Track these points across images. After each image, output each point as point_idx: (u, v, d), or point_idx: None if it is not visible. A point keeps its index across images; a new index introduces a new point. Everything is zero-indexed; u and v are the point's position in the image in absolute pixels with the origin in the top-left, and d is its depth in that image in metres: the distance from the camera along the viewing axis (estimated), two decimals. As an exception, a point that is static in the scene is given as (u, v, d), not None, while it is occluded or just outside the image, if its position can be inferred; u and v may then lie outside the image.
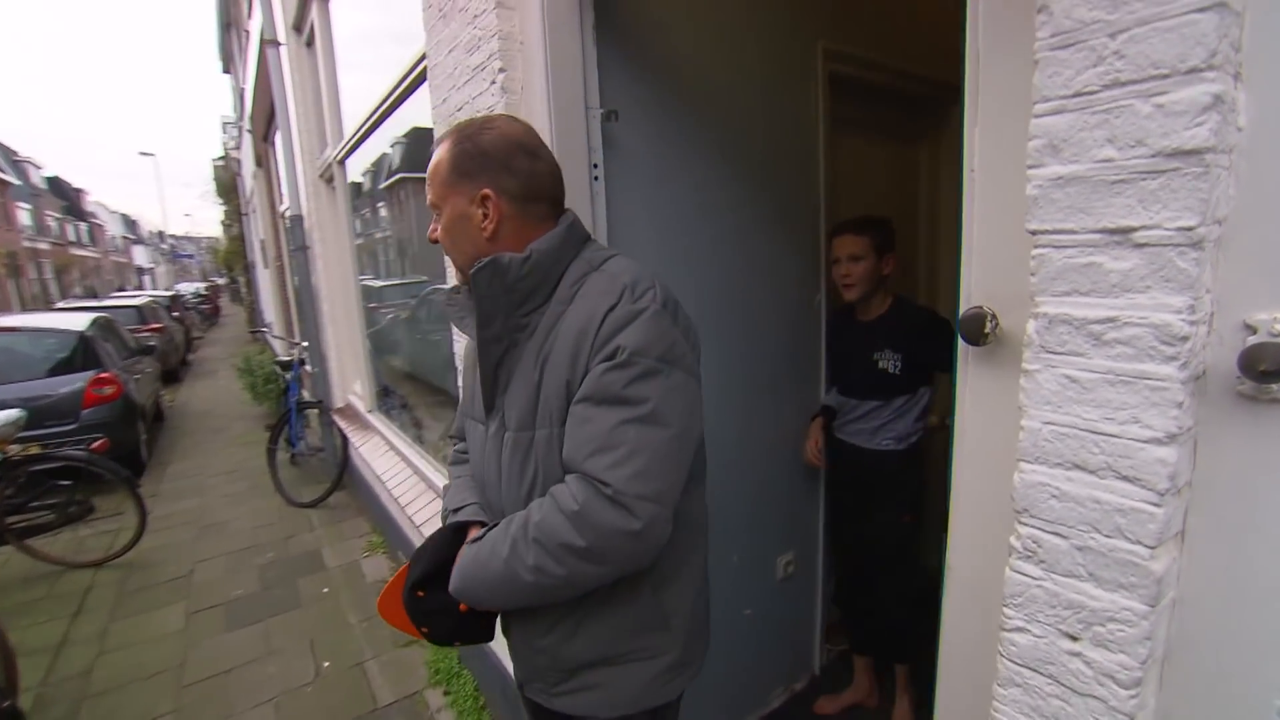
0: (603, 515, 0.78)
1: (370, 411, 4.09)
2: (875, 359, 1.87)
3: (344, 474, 4.58)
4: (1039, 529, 0.63)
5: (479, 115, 1.00)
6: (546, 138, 1.48)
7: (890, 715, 2.06)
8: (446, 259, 1.88)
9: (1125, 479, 0.56)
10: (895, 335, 1.84)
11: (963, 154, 0.75)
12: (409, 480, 3.04)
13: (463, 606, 0.92)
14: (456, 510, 1.03)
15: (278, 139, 4.24)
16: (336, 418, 4.50)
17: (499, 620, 1.03)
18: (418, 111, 2.49)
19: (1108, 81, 0.53)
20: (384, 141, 3.33)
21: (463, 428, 1.17)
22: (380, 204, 3.92)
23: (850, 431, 2.00)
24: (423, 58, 2.07)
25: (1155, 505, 0.55)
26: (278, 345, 7.98)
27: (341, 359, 4.51)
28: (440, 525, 1.08)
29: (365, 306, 4.18)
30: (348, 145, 3.44)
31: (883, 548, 1.97)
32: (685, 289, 1.79)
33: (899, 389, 1.86)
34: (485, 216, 0.89)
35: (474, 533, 0.95)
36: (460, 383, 1.18)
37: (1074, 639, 0.62)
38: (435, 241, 0.97)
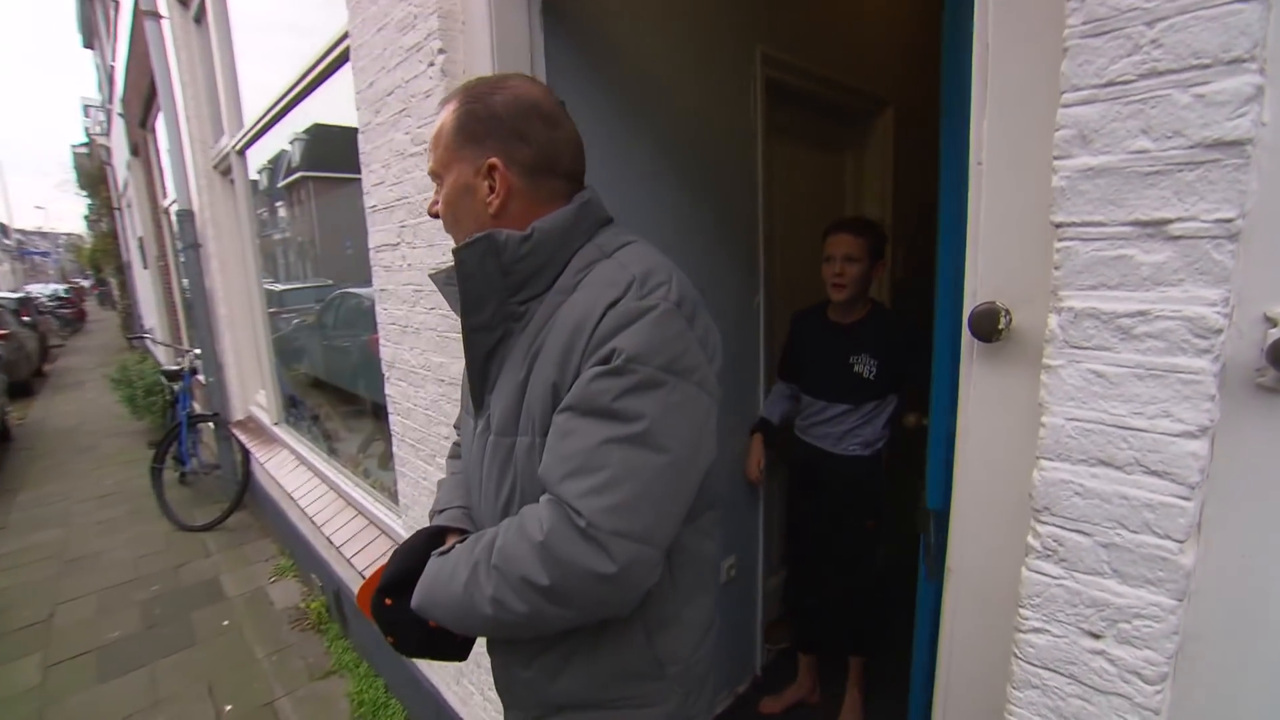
0: (570, 550, 0.65)
1: (277, 424, 3.72)
2: (851, 363, 1.86)
3: (245, 492, 4.15)
4: (1060, 527, 0.61)
5: (491, 74, 0.86)
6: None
7: (833, 710, 2.09)
8: (377, 261, 1.71)
9: (1154, 474, 0.55)
10: (876, 341, 1.84)
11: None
12: (325, 497, 2.78)
13: (432, 622, 0.79)
14: (439, 512, 0.92)
15: (160, 125, 3.78)
16: (236, 431, 4.07)
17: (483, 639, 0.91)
18: (337, 96, 2.27)
19: (1144, 71, 0.51)
20: (284, 136, 3.04)
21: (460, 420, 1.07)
22: (279, 203, 3.58)
23: (816, 434, 1.98)
24: (344, 36, 1.89)
25: (1186, 499, 0.54)
26: (161, 353, 7.15)
27: (242, 367, 4.08)
28: (426, 525, 0.95)
29: (267, 311, 3.81)
30: (249, 134, 3.11)
31: (842, 552, 1.97)
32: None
33: (871, 394, 1.86)
34: (491, 190, 0.77)
35: (449, 541, 0.83)
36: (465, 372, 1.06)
37: (1097, 637, 0.61)
38: (435, 215, 0.84)
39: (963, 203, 0.69)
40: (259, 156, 3.42)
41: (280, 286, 3.79)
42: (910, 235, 3.13)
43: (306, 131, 2.98)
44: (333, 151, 2.89)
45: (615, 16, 1.68)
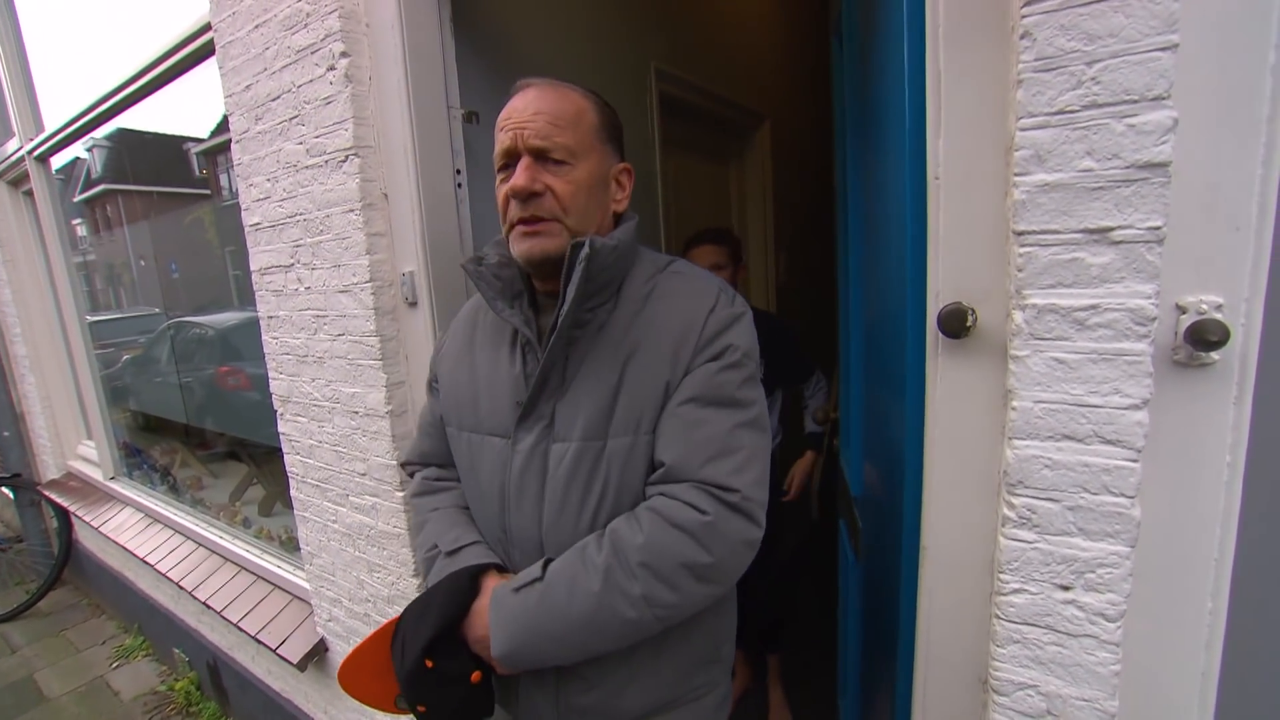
0: (731, 525, 0.73)
1: (113, 478, 3.17)
2: None
3: (65, 566, 3.49)
4: (1033, 497, 0.71)
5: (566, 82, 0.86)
6: (404, 138, 1.30)
7: (764, 696, 2.19)
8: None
9: (1109, 442, 0.66)
10: None
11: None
12: (193, 556, 2.41)
13: (475, 676, 0.76)
14: (455, 551, 0.85)
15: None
16: (49, 492, 3.41)
17: (496, 683, 0.85)
18: (188, 97, 2.00)
19: (1087, 103, 0.61)
20: (80, 143, 2.61)
21: (432, 450, 1.01)
22: (77, 220, 3.07)
23: None
24: (203, 29, 1.67)
25: (1134, 461, 0.65)
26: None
27: (55, 416, 3.43)
28: (427, 570, 0.89)
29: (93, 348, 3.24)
30: (56, 137, 2.64)
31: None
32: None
33: None
34: (621, 187, 0.89)
35: (498, 578, 0.82)
36: (440, 392, 0.99)
37: (1067, 589, 0.70)
38: (534, 194, 0.79)
39: (920, 215, 0.77)
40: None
41: (91, 318, 3.24)
42: (789, 240, 3.38)
43: (110, 137, 2.56)
44: (148, 161, 2.52)
45: (522, 27, 1.66)
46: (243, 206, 1.62)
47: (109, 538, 2.81)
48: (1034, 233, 0.66)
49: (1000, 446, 0.74)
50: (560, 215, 0.81)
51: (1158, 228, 0.61)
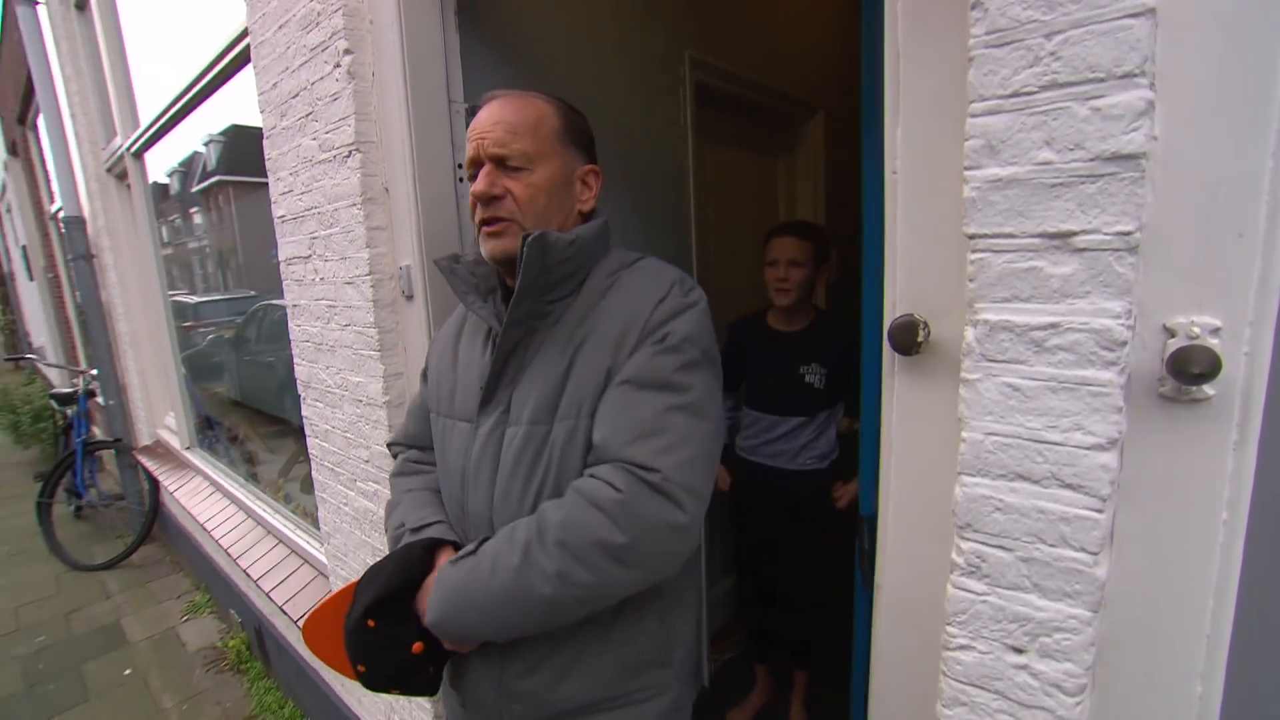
0: (648, 505, 0.71)
1: (189, 448, 3.46)
2: (801, 372, 1.82)
3: (154, 524, 3.85)
4: (982, 543, 0.61)
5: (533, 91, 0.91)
6: (403, 132, 1.31)
7: (786, 712, 2.10)
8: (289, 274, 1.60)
9: (1069, 487, 0.56)
10: (823, 349, 1.81)
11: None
12: (242, 526, 2.59)
13: (417, 646, 0.79)
14: (420, 528, 0.89)
15: (42, 123, 3.46)
16: (142, 458, 3.76)
17: (448, 667, 0.89)
18: (242, 96, 2.12)
19: (1045, 83, 0.52)
20: (195, 137, 2.83)
21: (417, 433, 1.06)
22: (193, 209, 3.34)
23: (768, 453, 1.90)
24: (245, 33, 1.76)
25: (1098, 511, 0.55)
26: (54, 375, 6.56)
27: (148, 388, 3.78)
28: (394, 546, 0.92)
29: (179, 326, 3.54)
30: (145, 135, 2.88)
31: (797, 568, 1.94)
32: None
33: (822, 404, 1.83)
34: (587, 188, 0.92)
35: (450, 553, 0.84)
36: (428, 380, 1.04)
37: (1020, 652, 0.61)
38: (494, 197, 0.84)
39: (878, 213, 0.69)
40: (163, 159, 3.17)
41: (196, 299, 3.53)
42: (844, 240, 3.21)
43: (224, 133, 2.77)
44: (253, 154, 2.70)
45: (536, 19, 1.64)
46: (272, 200, 1.70)
47: (180, 503, 3.06)
48: (986, 236, 0.56)
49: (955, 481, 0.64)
50: (518, 216, 0.85)
51: (1128, 233, 0.50)
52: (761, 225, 2.04)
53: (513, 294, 0.87)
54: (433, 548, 0.86)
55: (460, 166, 1.43)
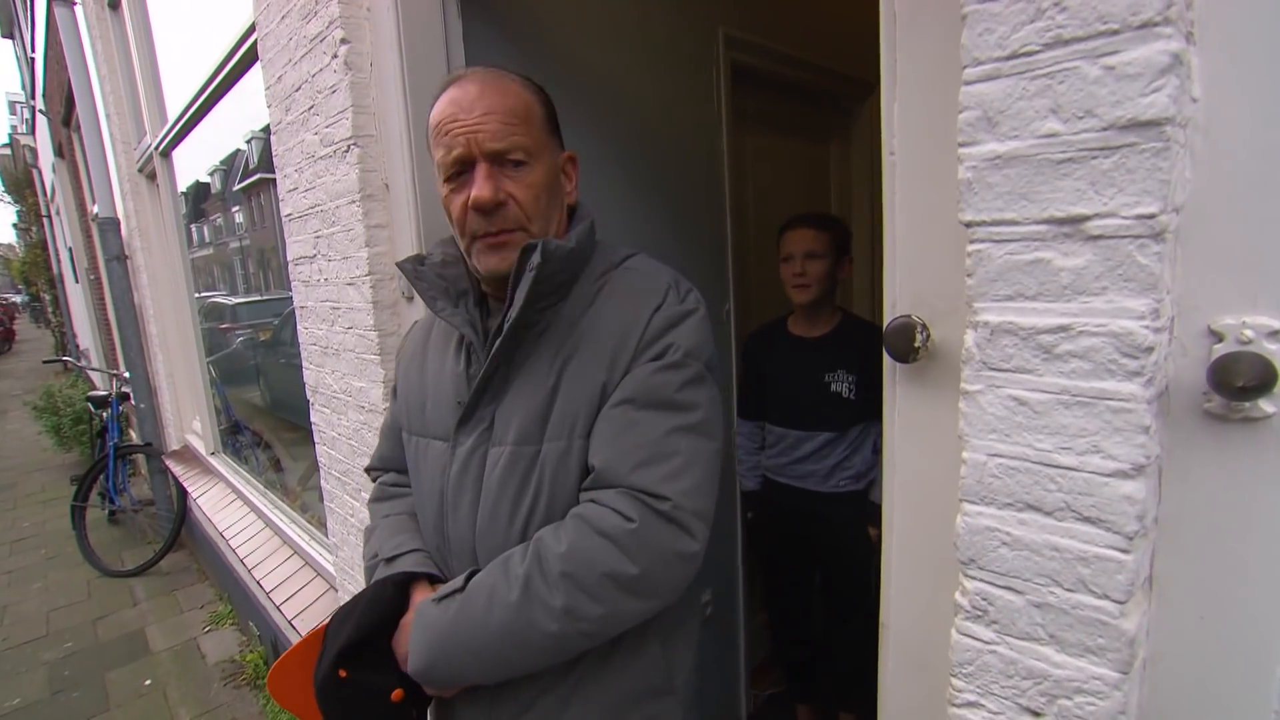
0: (660, 535, 0.71)
1: (213, 454, 3.66)
2: (827, 381, 1.75)
3: (181, 530, 4.08)
4: (989, 583, 0.56)
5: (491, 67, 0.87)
6: (401, 126, 1.34)
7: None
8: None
9: (1087, 520, 0.50)
10: (850, 353, 1.75)
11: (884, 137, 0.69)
12: (259, 535, 2.71)
13: (397, 694, 0.77)
14: (393, 557, 0.89)
15: (83, 123, 3.74)
16: (170, 462, 4.00)
17: (431, 710, 0.88)
18: (254, 93, 2.23)
19: (1049, 39, 0.47)
20: (236, 134, 2.99)
21: (391, 455, 1.06)
22: (235, 208, 3.53)
23: (797, 473, 1.84)
24: (253, 27, 1.85)
25: (1124, 551, 0.49)
26: (96, 377, 7.08)
27: (177, 392, 4.02)
28: (369, 579, 0.91)
29: (207, 328, 3.75)
30: (171, 133, 3.07)
31: (835, 600, 1.88)
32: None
33: (854, 416, 1.76)
34: (568, 178, 0.91)
35: (429, 590, 0.83)
36: (398, 395, 1.04)
37: (1037, 715, 0.55)
38: (499, 204, 0.79)
39: (877, 202, 0.65)
40: (197, 157, 3.37)
41: (234, 300, 3.73)
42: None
43: (265, 129, 2.92)
44: None
45: (547, 3, 1.64)
46: (279, 197, 1.77)
47: (203, 510, 3.23)
48: (985, 223, 0.52)
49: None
50: (525, 224, 0.82)
51: (1151, 215, 0.45)
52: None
53: (497, 302, 0.87)
54: (406, 584, 0.84)
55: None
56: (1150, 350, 0.46)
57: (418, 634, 0.77)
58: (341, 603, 1.92)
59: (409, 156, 1.35)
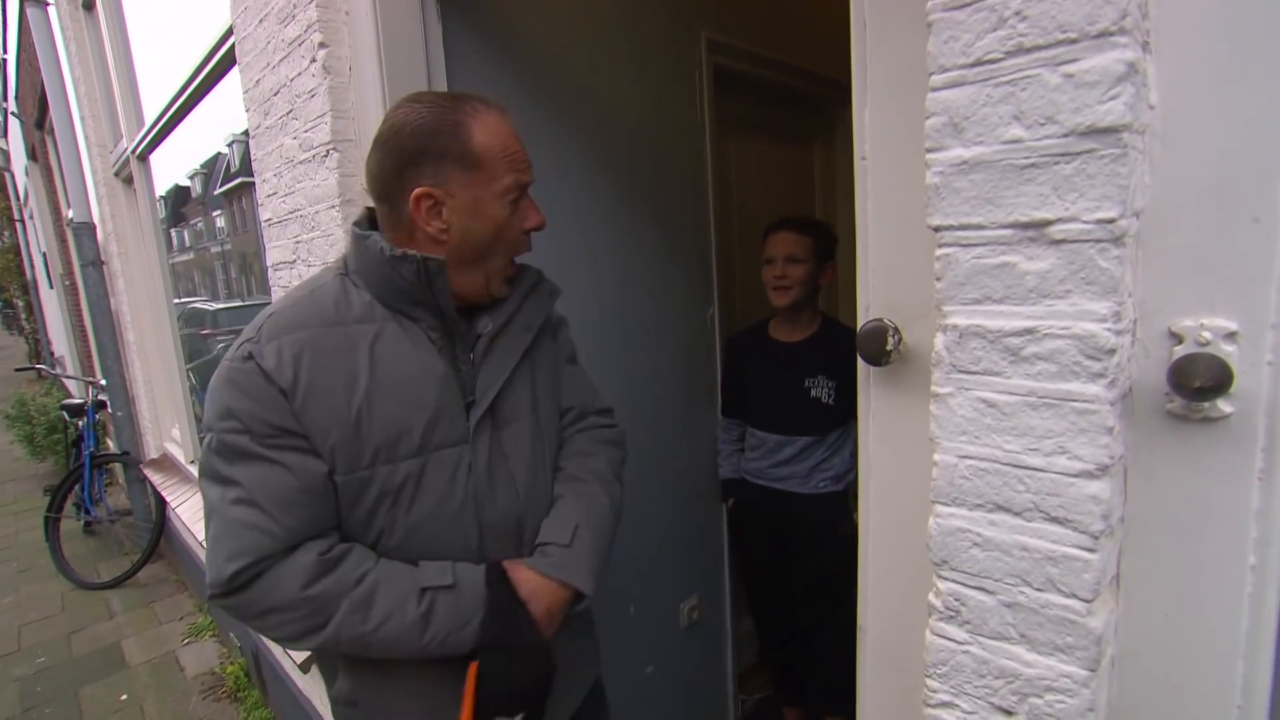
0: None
1: (193, 462, 3.61)
2: (807, 386, 1.78)
3: (160, 540, 4.02)
4: (961, 584, 0.57)
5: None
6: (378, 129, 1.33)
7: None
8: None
9: (1055, 520, 0.51)
10: (830, 358, 1.77)
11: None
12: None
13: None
14: (453, 584, 0.87)
15: (57, 126, 3.70)
16: (148, 472, 3.94)
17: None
18: (234, 95, 2.22)
19: (1011, 47, 0.48)
20: (217, 138, 2.97)
21: (314, 519, 0.84)
22: (216, 212, 3.50)
23: (777, 475, 1.86)
24: (231, 30, 1.84)
25: (1089, 550, 0.50)
26: (72, 385, 6.98)
27: (155, 399, 3.97)
28: (425, 628, 0.84)
29: (187, 334, 3.71)
30: (148, 136, 3.04)
31: (816, 600, 1.90)
32: (565, 304, 1.70)
33: (833, 420, 1.79)
34: None
35: (516, 570, 0.91)
36: (354, 434, 0.84)
37: (1009, 714, 0.56)
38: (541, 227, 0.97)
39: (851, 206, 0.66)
40: (177, 161, 3.34)
41: (215, 305, 3.69)
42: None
43: (246, 133, 2.89)
44: None
45: (530, 8, 1.65)
46: (258, 202, 1.76)
47: (182, 520, 3.19)
48: (953, 228, 0.53)
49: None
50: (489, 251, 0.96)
51: (1111, 220, 0.46)
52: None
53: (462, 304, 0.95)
54: (503, 577, 0.90)
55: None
56: (1113, 352, 0.47)
57: (574, 569, 0.92)
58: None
59: (389, 161, 1.35)
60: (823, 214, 2.93)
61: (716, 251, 2.17)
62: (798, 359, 1.81)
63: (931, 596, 0.60)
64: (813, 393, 1.77)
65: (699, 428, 2.12)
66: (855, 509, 1.76)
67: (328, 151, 1.40)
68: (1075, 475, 0.50)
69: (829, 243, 1.81)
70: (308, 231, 1.56)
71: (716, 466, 2.13)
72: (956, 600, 0.57)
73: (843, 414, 1.78)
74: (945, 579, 0.58)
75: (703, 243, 2.13)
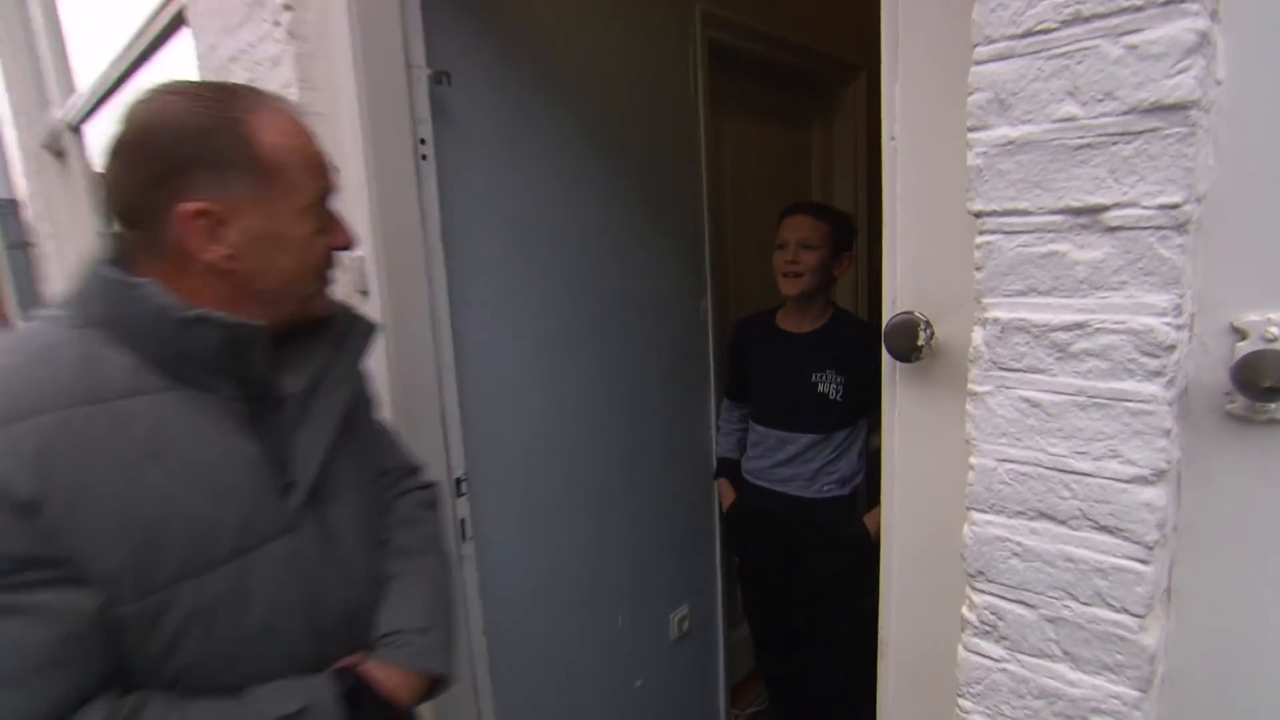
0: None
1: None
2: (814, 381, 1.76)
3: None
4: (998, 596, 0.57)
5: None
6: (352, 101, 1.29)
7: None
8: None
9: (1104, 529, 0.51)
10: (840, 353, 1.76)
11: (879, 128, 0.68)
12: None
13: None
14: (297, 714, 0.74)
15: (-18, 97, 3.56)
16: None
17: None
18: (182, 61, 2.15)
19: (1067, 16, 0.47)
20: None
21: (84, 681, 0.66)
22: None
23: (779, 476, 1.85)
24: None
25: (1143, 562, 0.49)
26: None
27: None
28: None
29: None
30: (83, 105, 2.94)
31: (818, 606, 1.90)
32: (548, 297, 1.68)
33: (841, 419, 1.78)
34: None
35: (370, 670, 0.81)
36: (154, 544, 0.69)
37: (1048, 738, 0.55)
38: None
39: (876, 190, 0.65)
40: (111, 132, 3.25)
41: None
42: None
43: None
44: None
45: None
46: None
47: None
48: (996, 213, 0.52)
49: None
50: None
51: (1175, 205, 0.45)
52: (790, 208, 1.99)
53: (324, 359, 0.84)
54: (348, 680, 0.79)
55: (423, 142, 1.41)
56: (1172, 349, 0.47)
57: (436, 652, 0.88)
58: None
59: (361, 135, 1.31)
60: (820, 199, 2.93)
61: (710, 240, 2.15)
62: (805, 351, 1.80)
63: (965, 610, 0.59)
64: (820, 388, 1.76)
65: (690, 428, 2.11)
66: (862, 514, 1.80)
67: (292, 124, 1.36)
68: (1128, 481, 0.49)
69: (846, 232, 1.80)
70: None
71: (710, 466, 2.12)
72: (993, 614, 0.57)
73: (851, 412, 1.77)
74: (981, 591, 0.57)
75: (696, 230, 2.12)
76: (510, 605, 1.62)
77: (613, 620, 1.90)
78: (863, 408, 1.77)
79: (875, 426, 1.82)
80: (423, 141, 1.41)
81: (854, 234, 1.84)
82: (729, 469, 2.02)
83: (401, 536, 0.95)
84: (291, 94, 1.34)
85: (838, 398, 1.75)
